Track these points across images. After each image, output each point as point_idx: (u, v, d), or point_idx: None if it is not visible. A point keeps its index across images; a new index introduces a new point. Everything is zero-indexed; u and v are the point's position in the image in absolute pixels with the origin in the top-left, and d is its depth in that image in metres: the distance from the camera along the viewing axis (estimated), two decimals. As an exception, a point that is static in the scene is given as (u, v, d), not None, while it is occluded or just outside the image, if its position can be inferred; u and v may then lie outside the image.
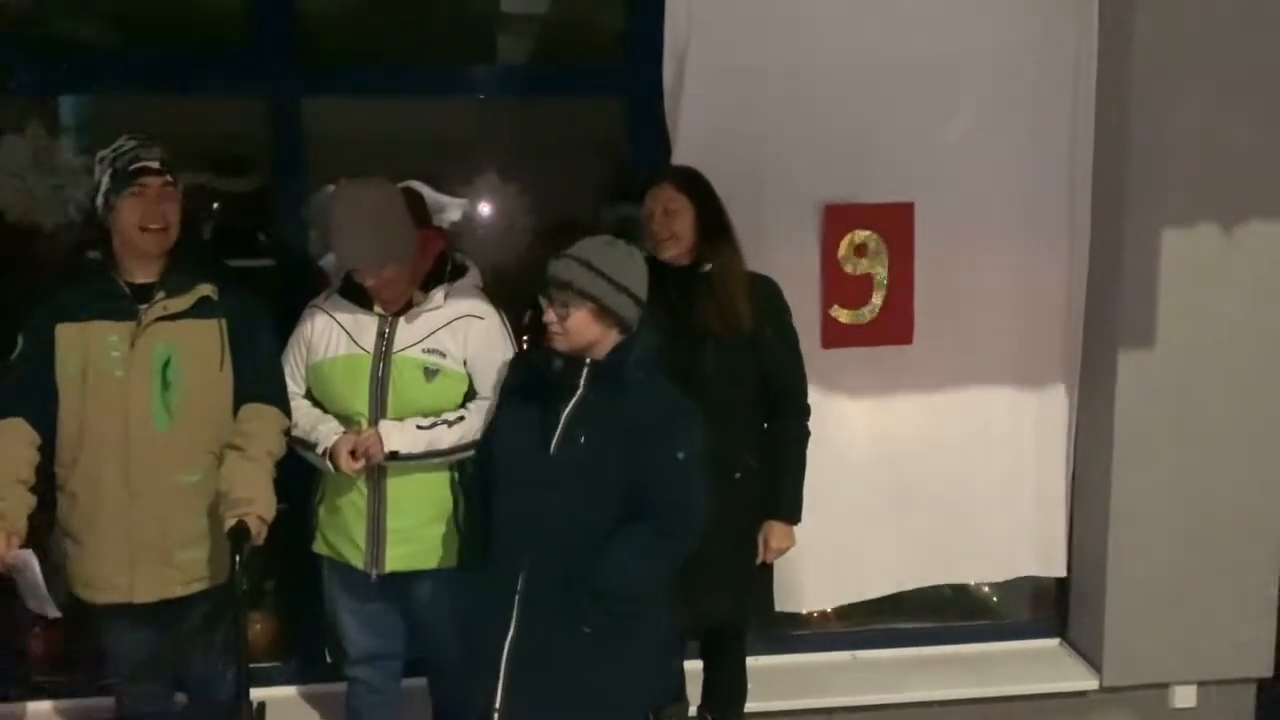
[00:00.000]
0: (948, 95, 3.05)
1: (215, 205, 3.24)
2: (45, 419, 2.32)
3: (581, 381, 2.21)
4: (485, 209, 3.47)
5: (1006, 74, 3.09)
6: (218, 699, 2.49)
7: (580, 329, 2.17)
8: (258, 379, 2.43)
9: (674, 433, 2.17)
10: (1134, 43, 3.01)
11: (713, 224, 2.55)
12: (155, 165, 2.32)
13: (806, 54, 2.96)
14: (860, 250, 3.02)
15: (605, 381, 2.20)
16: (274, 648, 3.24)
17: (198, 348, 2.37)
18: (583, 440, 2.18)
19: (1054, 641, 3.47)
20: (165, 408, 2.33)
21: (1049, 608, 3.49)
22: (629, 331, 2.21)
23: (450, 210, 2.92)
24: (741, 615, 2.68)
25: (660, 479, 2.15)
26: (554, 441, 2.19)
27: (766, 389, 2.60)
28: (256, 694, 2.33)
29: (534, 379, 2.27)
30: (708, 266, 2.52)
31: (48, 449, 2.34)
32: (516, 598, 2.18)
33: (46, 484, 2.35)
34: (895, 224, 3.02)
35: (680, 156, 2.91)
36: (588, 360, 2.21)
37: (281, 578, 3.18)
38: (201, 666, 2.50)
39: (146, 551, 2.34)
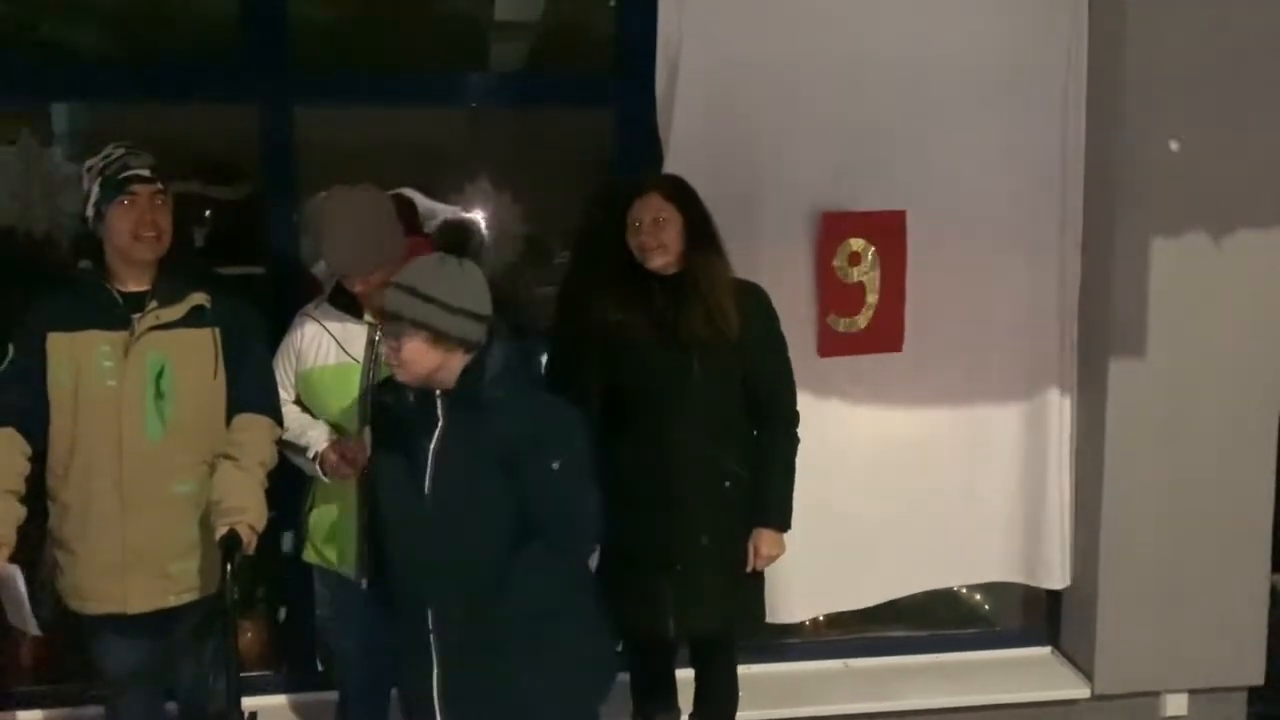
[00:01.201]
0: (940, 104, 3.06)
1: (207, 213, 3.24)
2: (36, 428, 2.31)
3: (440, 413, 2.10)
4: (476, 217, 3.47)
5: (998, 83, 3.10)
6: (209, 708, 2.46)
7: (417, 358, 2.05)
8: (251, 389, 2.42)
9: (544, 444, 2.06)
10: (1125, 54, 3.03)
11: (700, 232, 2.54)
12: (145, 173, 2.31)
13: (799, 62, 2.97)
14: (854, 258, 3.03)
15: (463, 407, 2.09)
16: (265, 656, 3.23)
17: (191, 357, 2.36)
18: (454, 473, 2.09)
19: (1045, 650, 3.48)
20: (159, 417, 2.32)
21: (1040, 616, 3.49)
22: (476, 351, 2.09)
23: (440, 217, 2.92)
24: (731, 623, 2.67)
25: (540, 493, 2.06)
26: (426, 481, 2.10)
27: (755, 397, 2.59)
28: (248, 703, 2.31)
29: (395, 416, 2.16)
30: (693, 275, 2.51)
31: (39, 459, 2.32)
32: (431, 637, 2.13)
33: (38, 494, 2.34)
34: (887, 232, 3.03)
35: (672, 165, 2.91)
36: (438, 392, 2.09)
37: (272, 586, 3.17)
38: (192, 676, 2.48)
39: (139, 562, 2.33)
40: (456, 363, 2.08)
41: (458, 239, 2.12)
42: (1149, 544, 3.19)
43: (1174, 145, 3.02)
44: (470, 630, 2.09)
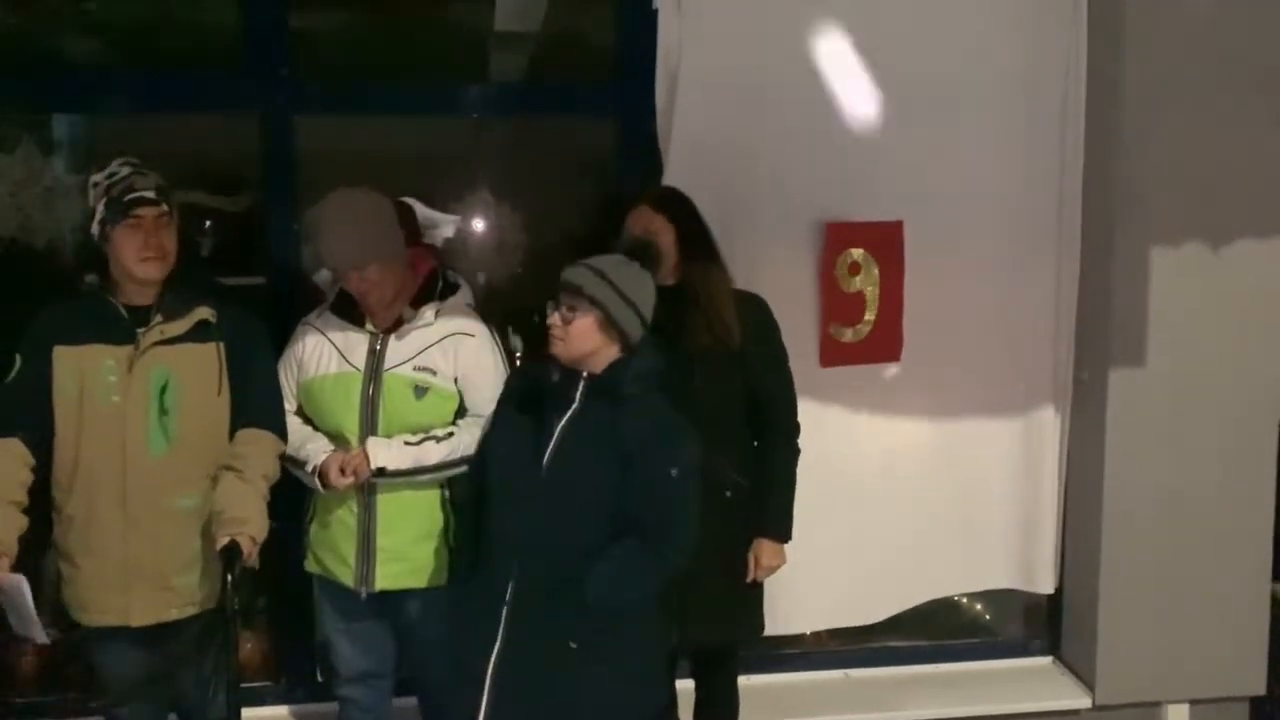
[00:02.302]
0: (939, 114, 3.06)
1: (208, 223, 3.24)
2: (41, 440, 2.31)
3: (578, 395, 2.21)
4: (477, 226, 3.47)
5: (997, 94, 3.11)
6: (209, 720, 2.48)
7: (582, 336, 2.17)
8: (255, 403, 2.43)
9: (667, 450, 2.16)
10: (1123, 64, 3.04)
11: (694, 243, 2.55)
12: (151, 195, 2.30)
13: (798, 72, 2.97)
14: (854, 268, 3.03)
15: (601, 396, 2.19)
16: (265, 667, 3.22)
17: (195, 372, 2.36)
18: (576, 454, 2.18)
19: (1047, 660, 3.47)
20: (162, 432, 2.33)
21: (1042, 626, 3.49)
22: (630, 349, 2.21)
23: (444, 227, 2.91)
24: (732, 634, 2.67)
25: (651, 496, 2.15)
26: (547, 455, 2.19)
27: (756, 407, 2.60)
28: (248, 714, 2.32)
29: (531, 391, 2.28)
30: (691, 286, 2.52)
31: (43, 470, 2.33)
32: (504, 609, 2.18)
33: (42, 506, 2.34)
34: (886, 242, 3.03)
35: (672, 174, 2.92)
36: (585, 374, 2.21)
37: (272, 597, 3.16)
38: (193, 687, 2.48)
39: (143, 575, 2.33)
40: (609, 354, 2.20)
41: (643, 253, 2.26)
42: (1150, 553, 3.19)
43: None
44: (542, 612, 2.14)
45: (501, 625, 2.18)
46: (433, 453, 2.43)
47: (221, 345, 2.39)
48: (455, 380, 2.49)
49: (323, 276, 3.25)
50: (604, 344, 2.20)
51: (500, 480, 2.27)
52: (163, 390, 2.33)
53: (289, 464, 2.49)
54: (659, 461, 2.15)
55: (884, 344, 3.06)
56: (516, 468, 2.23)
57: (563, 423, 2.20)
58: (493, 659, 2.18)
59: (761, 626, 2.73)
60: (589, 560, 2.13)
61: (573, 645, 2.14)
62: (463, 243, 3.41)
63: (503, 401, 2.39)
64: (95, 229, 2.33)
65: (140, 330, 2.34)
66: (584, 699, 2.17)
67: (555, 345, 2.20)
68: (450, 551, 2.50)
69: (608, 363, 2.21)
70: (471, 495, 2.40)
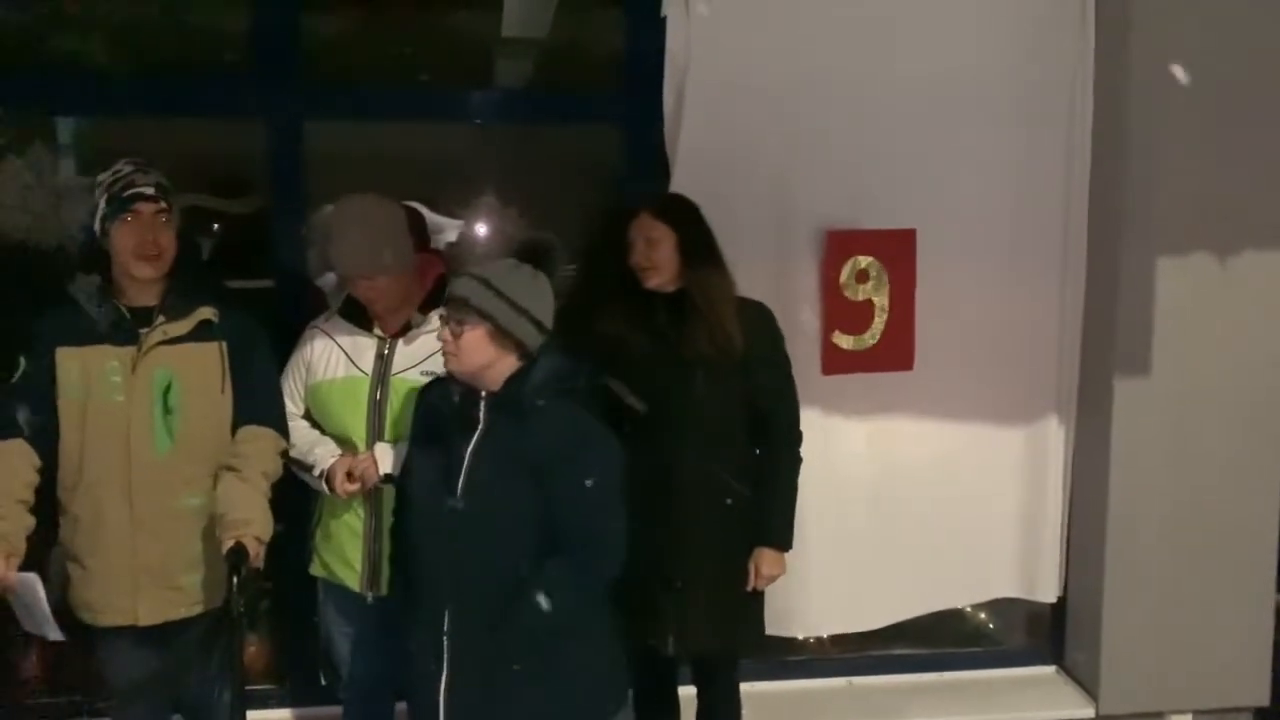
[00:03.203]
0: (946, 123, 3.07)
1: (215, 226, 3.26)
2: (46, 441, 2.32)
3: (481, 414, 2.12)
4: (483, 232, 3.48)
5: (1003, 102, 3.12)
6: (214, 722, 2.48)
7: (474, 349, 2.08)
8: (256, 401, 2.43)
9: (581, 460, 2.08)
10: (1130, 73, 3.05)
11: (696, 249, 2.54)
12: (150, 192, 2.31)
13: (806, 80, 2.98)
14: (862, 276, 3.03)
15: (505, 412, 2.10)
16: (269, 670, 3.22)
17: (198, 372, 2.37)
18: (488, 477, 2.09)
19: (1050, 669, 3.47)
20: (166, 432, 2.33)
21: (1045, 635, 3.49)
22: (528, 357, 2.12)
23: (448, 232, 2.92)
24: (731, 643, 2.66)
25: (570, 509, 2.07)
26: (460, 482, 2.09)
27: (758, 415, 2.59)
28: (252, 717, 2.32)
29: (434, 415, 2.18)
30: (693, 292, 2.52)
31: (48, 471, 2.33)
32: (445, 640, 2.12)
33: (47, 506, 2.35)
34: (897, 250, 3.03)
35: (679, 182, 2.93)
36: (484, 393, 2.11)
37: (277, 600, 3.17)
38: (198, 688, 2.48)
39: (149, 575, 2.34)
40: (507, 365, 2.11)
41: (536, 253, 2.17)
42: (1154, 563, 3.19)
43: None
44: (484, 639, 2.09)
45: (445, 656, 2.12)
46: None
47: (224, 344, 2.40)
48: None
49: (325, 280, 3.27)
50: (499, 355, 2.09)
51: (419, 513, 2.17)
52: (166, 390, 2.33)
53: (296, 468, 2.49)
54: (572, 473, 2.06)
55: (895, 352, 3.06)
56: (432, 499, 2.13)
57: (470, 446, 2.11)
58: (441, 689, 2.12)
59: (762, 635, 2.72)
60: (521, 583, 2.07)
61: (516, 668, 2.09)
62: (468, 249, 3.43)
63: (413, 429, 2.28)
64: (97, 225, 2.35)
65: (143, 331, 2.34)
66: (537, 717, 2.13)
67: (448, 361, 2.11)
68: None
69: (506, 375, 2.11)
70: (395, 524, 2.33)
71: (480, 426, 2.12)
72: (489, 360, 2.09)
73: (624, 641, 2.29)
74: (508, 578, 2.08)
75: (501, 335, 2.08)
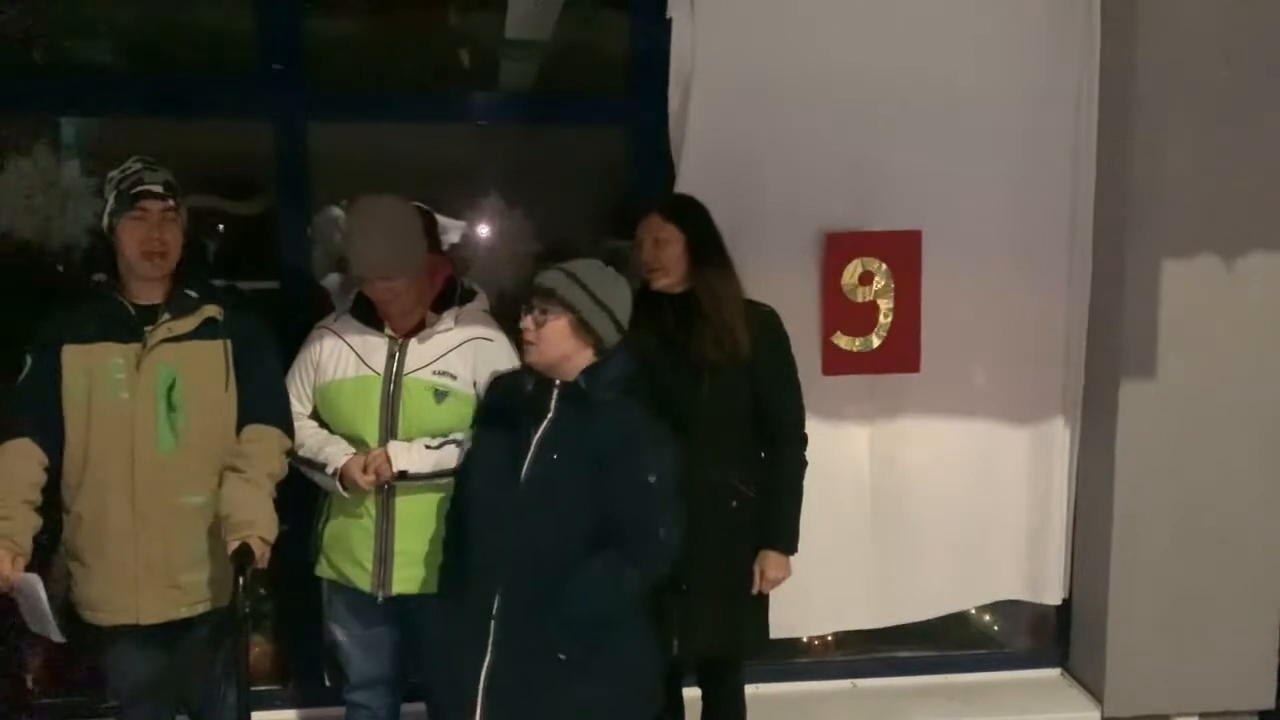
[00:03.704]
0: (951, 124, 3.08)
1: (221, 227, 3.26)
2: (51, 440, 2.32)
3: (552, 403, 2.18)
4: (488, 234, 3.48)
5: (1009, 104, 3.12)
6: (218, 721, 2.48)
7: (554, 339, 2.15)
8: (260, 400, 2.43)
9: (644, 455, 2.13)
10: (1135, 74, 3.04)
11: (705, 252, 2.54)
12: (157, 189, 2.32)
13: (813, 81, 2.99)
14: (866, 278, 3.03)
15: (575, 403, 2.17)
16: (272, 671, 3.22)
17: (203, 369, 2.37)
18: (553, 464, 2.14)
19: (1055, 671, 3.46)
20: (170, 430, 2.33)
21: (1050, 637, 3.48)
22: (603, 354, 2.18)
23: (451, 233, 2.93)
24: (736, 645, 2.66)
25: (629, 503, 2.11)
26: (525, 466, 2.16)
27: (763, 418, 2.59)
28: (256, 717, 2.32)
29: (506, 402, 2.25)
30: (699, 295, 2.52)
31: (54, 470, 2.34)
32: (491, 623, 2.15)
33: (52, 505, 2.35)
34: (902, 252, 3.03)
35: (684, 183, 2.94)
36: (557, 382, 2.18)
37: (281, 601, 3.17)
38: (203, 688, 2.49)
39: (152, 573, 2.34)
40: (583, 359, 2.18)
41: (614, 261, 2.26)
42: (1159, 565, 3.18)
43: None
44: (530, 626, 2.11)
45: (490, 640, 2.14)
46: (453, 456, 2.44)
47: (228, 343, 2.40)
48: (474, 385, 2.49)
49: (330, 280, 3.28)
50: (577, 348, 2.17)
51: (479, 495, 2.22)
52: (170, 387, 2.34)
53: (306, 467, 2.49)
54: (636, 468, 2.11)
55: (901, 354, 3.06)
56: (495, 482, 2.19)
57: (539, 433, 2.17)
58: (483, 675, 2.14)
59: (766, 638, 2.72)
60: (573, 571, 2.10)
61: (561, 658, 2.11)
62: (473, 250, 3.43)
63: (481, 414, 2.36)
64: (105, 222, 2.36)
65: (148, 328, 2.35)
66: (574, 709, 2.14)
67: (528, 350, 2.17)
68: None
69: (581, 368, 2.17)
70: (452, 510, 2.38)
71: (550, 415, 2.18)
72: (567, 352, 2.16)
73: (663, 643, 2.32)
74: (560, 566, 2.11)
75: (582, 328, 2.16)
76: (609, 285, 2.19)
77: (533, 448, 2.16)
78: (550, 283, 2.15)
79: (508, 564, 2.14)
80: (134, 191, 2.31)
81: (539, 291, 2.16)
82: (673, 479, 2.16)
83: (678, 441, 2.20)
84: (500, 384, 2.33)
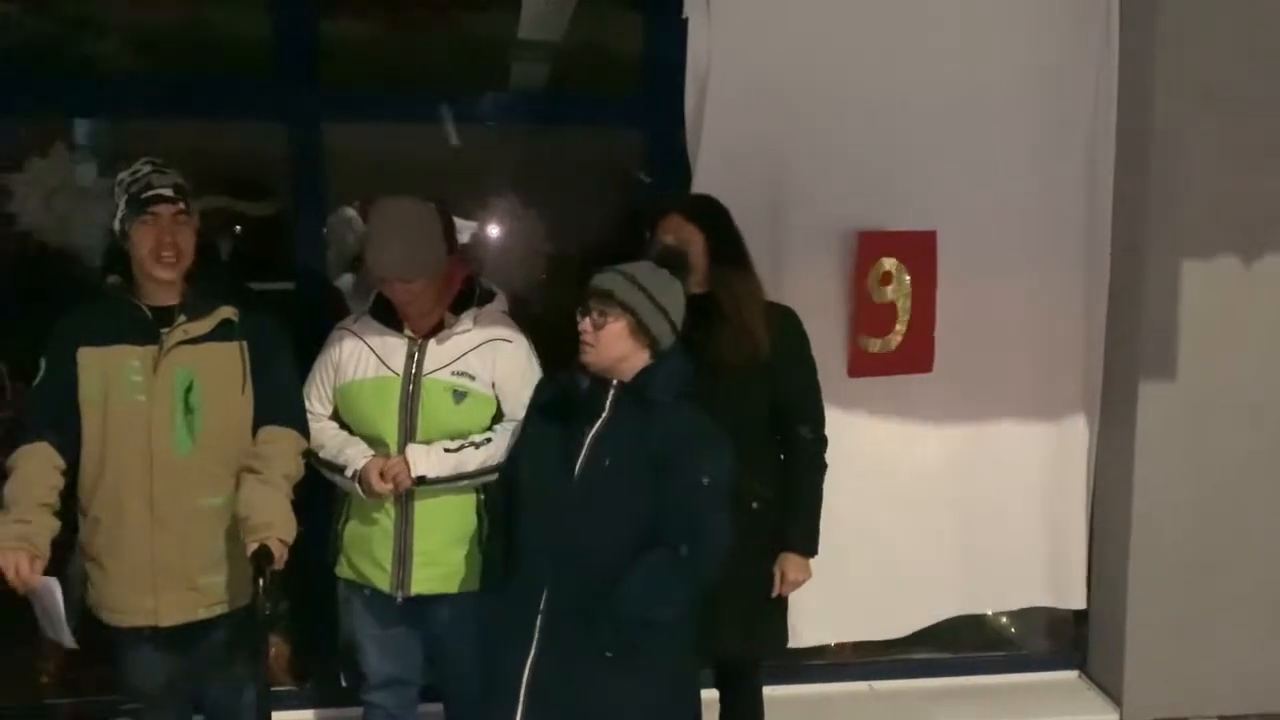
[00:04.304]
0: (969, 122, 3.06)
1: (236, 228, 3.26)
2: (68, 443, 2.32)
3: (608, 403, 2.20)
4: (502, 234, 3.48)
5: (1026, 102, 3.10)
6: (236, 723, 2.48)
7: (612, 341, 2.17)
8: (276, 401, 2.42)
9: (699, 458, 2.14)
10: (1155, 71, 3.03)
11: (725, 252, 2.52)
12: (168, 193, 2.31)
13: (830, 80, 2.97)
14: (885, 278, 3.02)
15: (631, 403, 2.18)
16: (289, 672, 3.23)
17: (219, 371, 2.37)
18: (607, 463, 2.16)
19: (1073, 674, 3.45)
20: (188, 432, 2.33)
21: (1068, 640, 3.47)
22: (659, 355, 2.21)
23: (462, 233, 2.92)
24: (756, 648, 2.65)
25: (683, 504, 2.12)
26: (578, 464, 2.18)
27: (783, 419, 2.58)
28: (276, 718, 2.31)
29: (561, 400, 2.26)
30: (719, 296, 2.50)
31: (70, 472, 2.33)
32: (538, 619, 2.16)
33: (69, 508, 2.34)
34: (918, 251, 3.01)
35: (701, 184, 2.92)
36: (614, 381, 2.20)
37: (297, 601, 3.16)
38: (221, 689, 2.49)
39: (170, 575, 2.34)
40: (639, 360, 2.20)
41: (669, 262, 2.27)
42: (1179, 567, 3.17)
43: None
44: (576, 623, 2.13)
45: (535, 635, 2.16)
46: (472, 459, 2.44)
47: (244, 344, 2.39)
48: (493, 385, 2.49)
49: (344, 281, 3.28)
50: (634, 350, 2.19)
51: (532, 490, 2.25)
52: (187, 390, 2.33)
53: (325, 469, 2.49)
54: (691, 470, 2.13)
55: (915, 355, 3.04)
56: (548, 478, 2.21)
57: (593, 431, 2.19)
58: (527, 669, 2.16)
59: (785, 640, 2.71)
60: (622, 570, 2.11)
61: (608, 655, 2.12)
62: (488, 251, 3.42)
63: (532, 411, 2.38)
64: (116, 226, 2.35)
65: (164, 330, 2.34)
66: (616, 708, 2.15)
67: (586, 352, 2.19)
68: (483, 557, 2.50)
69: (637, 369, 2.20)
70: (503, 504, 2.40)
71: (605, 414, 2.19)
72: (625, 353, 2.18)
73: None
74: (609, 565, 2.11)
75: (640, 330, 2.17)
76: (665, 288, 2.21)
77: (586, 446, 2.18)
78: (609, 285, 2.18)
79: (557, 562, 2.16)
80: (144, 196, 2.30)
81: (597, 293, 2.18)
82: (726, 482, 2.17)
83: (732, 446, 2.20)
84: (553, 382, 2.34)
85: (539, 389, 2.42)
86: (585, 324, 2.18)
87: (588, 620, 2.12)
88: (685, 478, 2.12)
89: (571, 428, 2.22)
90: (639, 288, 2.17)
